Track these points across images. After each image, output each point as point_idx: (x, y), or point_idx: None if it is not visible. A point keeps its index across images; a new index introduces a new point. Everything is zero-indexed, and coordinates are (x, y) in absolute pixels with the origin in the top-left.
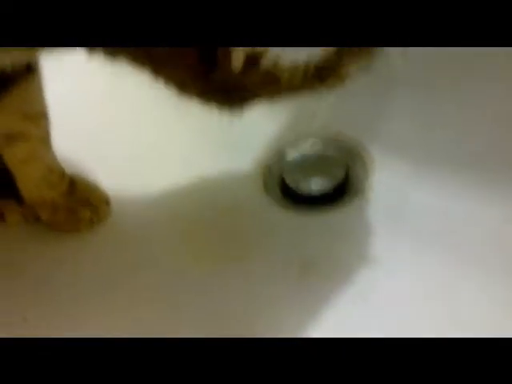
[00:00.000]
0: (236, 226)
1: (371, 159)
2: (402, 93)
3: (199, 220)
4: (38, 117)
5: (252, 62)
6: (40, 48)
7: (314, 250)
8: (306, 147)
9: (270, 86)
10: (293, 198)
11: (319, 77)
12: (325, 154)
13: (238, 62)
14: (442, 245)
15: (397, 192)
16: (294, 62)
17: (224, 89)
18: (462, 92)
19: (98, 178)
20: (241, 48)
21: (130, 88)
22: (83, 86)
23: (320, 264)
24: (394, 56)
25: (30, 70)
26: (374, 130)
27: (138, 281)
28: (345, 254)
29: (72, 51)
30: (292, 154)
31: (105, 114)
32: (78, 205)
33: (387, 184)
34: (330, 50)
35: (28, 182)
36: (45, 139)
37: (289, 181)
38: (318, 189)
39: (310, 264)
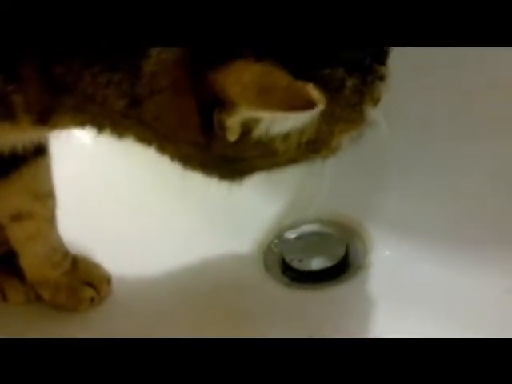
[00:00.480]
0: (237, 303)
1: (370, 237)
2: (398, 168)
3: (201, 298)
4: (45, 197)
5: (245, 132)
6: (52, 129)
7: (314, 325)
8: (305, 227)
9: (267, 158)
10: (293, 275)
11: (313, 149)
12: (324, 233)
13: (233, 134)
14: (441, 319)
15: (396, 268)
16: (286, 133)
17: (224, 161)
18: (461, 167)
19: (100, 258)
20: (235, 117)
21: (132, 170)
22: (88, 168)
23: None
24: (383, 128)
25: (40, 152)
26: (372, 208)
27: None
28: (345, 328)
29: (79, 132)
30: (292, 234)
31: (108, 195)
32: (80, 284)
33: (386, 260)
34: (322, 122)
35: (32, 260)
36: (50, 219)
37: (289, 259)
38: (318, 267)
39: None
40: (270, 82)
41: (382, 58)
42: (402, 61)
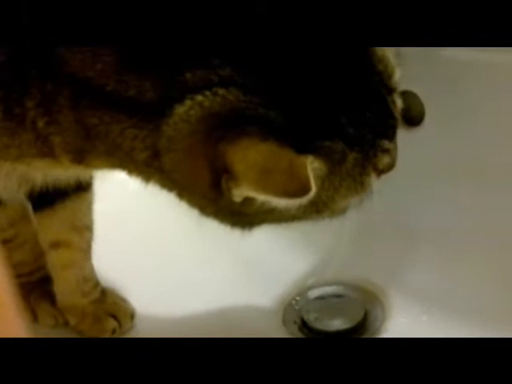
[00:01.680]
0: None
1: (389, 304)
2: (426, 239)
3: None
4: (84, 229)
5: (249, 197)
6: (89, 168)
7: None
8: (328, 288)
9: (271, 214)
10: (309, 333)
11: (315, 210)
12: (345, 296)
13: (238, 198)
14: None
15: (410, 336)
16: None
17: (232, 213)
18: (488, 242)
19: (127, 293)
20: (237, 188)
21: (169, 213)
22: (126, 207)
23: None
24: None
25: (84, 187)
26: (395, 276)
27: None
28: None
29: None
30: (314, 293)
31: (142, 235)
32: (105, 314)
33: (402, 329)
34: (322, 188)
35: (64, 286)
36: (86, 250)
37: (307, 317)
38: (335, 328)
39: None
40: (272, 163)
41: (386, 133)
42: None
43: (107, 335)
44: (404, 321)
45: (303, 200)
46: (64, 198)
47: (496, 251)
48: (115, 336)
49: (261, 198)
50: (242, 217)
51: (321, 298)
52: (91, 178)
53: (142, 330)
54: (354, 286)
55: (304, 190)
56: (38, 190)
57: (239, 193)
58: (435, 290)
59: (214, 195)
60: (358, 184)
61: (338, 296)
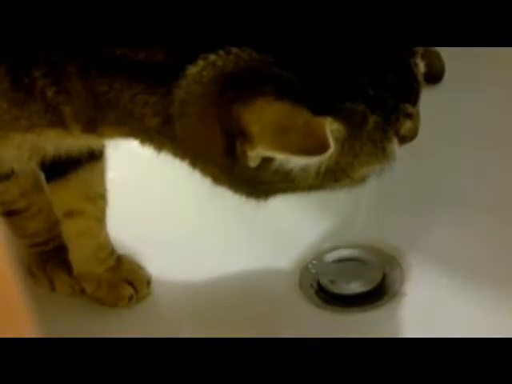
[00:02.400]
0: (267, 317)
1: (408, 266)
2: (446, 201)
3: (233, 308)
4: (97, 198)
5: (265, 160)
6: (101, 137)
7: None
8: (345, 251)
9: (286, 183)
10: (325, 297)
11: (333, 178)
12: (362, 259)
13: (253, 162)
14: None
15: (430, 300)
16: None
17: (247, 181)
18: (501, 204)
19: (143, 260)
20: (255, 152)
21: (186, 179)
22: (141, 174)
23: None
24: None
25: (96, 156)
26: (414, 238)
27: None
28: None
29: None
30: (330, 257)
31: (159, 201)
32: (121, 282)
33: (422, 291)
34: (341, 154)
35: (79, 255)
36: (100, 218)
37: (324, 281)
38: (351, 291)
39: None
40: (288, 122)
41: (409, 97)
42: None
43: (124, 302)
44: (423, 283)
45: (322, 159)
46: (76, 167)
47: None
48: (132, 302)
49: (278, 157)
50: (257, 185)
51: (338, 261)
52: (103, 146)
53: (158, 296)
54: (371, 248)
55: (322, 147)
56: (50, 160)
57: (255, 155)
58: (453, 252)
59: (228, 162)
60: (379, 150)
61: (355, 259)
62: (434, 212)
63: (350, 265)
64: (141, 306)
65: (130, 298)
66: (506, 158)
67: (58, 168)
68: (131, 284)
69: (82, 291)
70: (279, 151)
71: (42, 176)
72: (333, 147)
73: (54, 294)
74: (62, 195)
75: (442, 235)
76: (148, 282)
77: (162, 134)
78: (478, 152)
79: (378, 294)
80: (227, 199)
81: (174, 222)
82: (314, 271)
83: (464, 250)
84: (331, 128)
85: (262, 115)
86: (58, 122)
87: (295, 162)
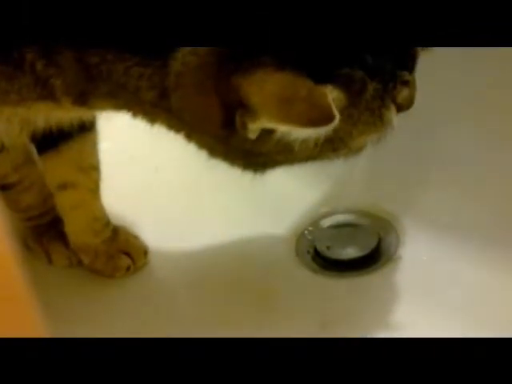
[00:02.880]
0: (264, 283)
1: (403, 230)
2: (438, 165)
3: (231, 276)
4: (90, 169)
5: (267, 131)
6: (91, 110)
7: (336, 311)
8: (340, 217)
9: (285, 155)
10: (322, 262)
11: (331, 148)
12: (358, 224)
13: (253, 134)
14: (467, 317)
15: (426, 263)
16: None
17: (244, 154)
18: (503, 168)
19: (139, 230)
20: (256, 123)
21: (177, 147)
22: (133, 143)
23: (340, 325)
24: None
25: (88, 128)
26: (408, 202)
27: (167, 330)
28: (365, 316)
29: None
30: (326, 222)
31: (151, 171)
32: (118, 252)
33: (417, 255)
34: (340, 123)
35: (75, 226)
36: (94, 190)
37: (320, 247)
38: (348, 256)
39: (330, 324)
40: (291, 92)
41: (406, 64)
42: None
43: (121, 273)
44: (418, 246)
45: (328, 129)
46: (68, 139)
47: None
48: (130, 273)
49: (282, 129)
50: (255, 157)
51: (333, 226)
52: (94, 117)
53: (155, 266)
54: (366, 213)
55: (328, 117)
56: (41, 133)
57: (256, 127)
58: (448, 214)
59: (225, 134)
60: (377, 119)
61: (351, 224)
62: (427, 175)
63: (346, 230)
64: (139, 276)
65: (128, 269)
66: (504, 120)
67: (50, 140)
68: (128, 254)
69: (80, 263)
70: (284, 123)
71: (34, 149)
72: (338, 118)
73: (50, 267)
74: (55, 167)
75: (436, 198)
76: (145, 252)
77: (158, 107)
78: (473, 114)
79: (374, 258)
80: (221, 168)
81: (168, 192)
82: (310, 237)
83: (459, 212)
84: (332, 96)
85: (264, 87)
86: (48, 95)
87: (299, 133)
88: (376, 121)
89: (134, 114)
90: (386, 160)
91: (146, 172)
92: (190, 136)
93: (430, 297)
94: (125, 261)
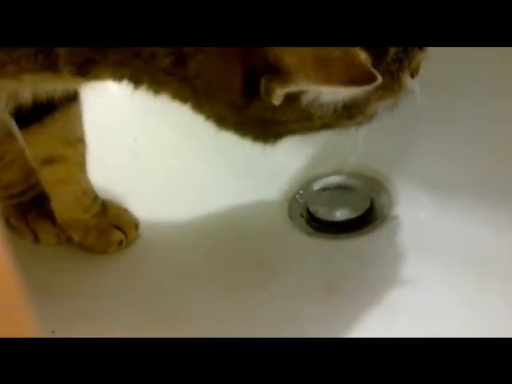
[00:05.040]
0: (260, 250)
1: (395, 190)
2: (424, 126)
3: (225, 244)
4: (76, 142)
5: (292, 97)
6: (89, 81)
7: (338, 273)
8: (331, 179)
9: (303, 122)
10: (317, 225)
11: (348, 115)
12: (349, 186)
13: (278, 100)
14: (464, 271)
15: (420, 221)
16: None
17: (258, 123)
18: (489, 122)
19: (127, 203)
20: (288, 88)
21: (160, 117)
22: (117, 116)
23: (345, 286)
24: (418, 93)
25: (72, 99)
26: (399, 162)
27: (163, 302)
28: (369, 277)
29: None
30: (317, 185)
31: (136, 143)
32: (109, 227)
33: (411, 214)
34: (359, 89)
35: (62, 202)
36: (80, 163)
37: (313, 209)
38: (343, 218)
39: (335, 286)
40: (325, 53)
41: None
42: None
43: (114, 248)
44: (413, 205)
45: (369, 88)
46: (52, 111)
47: (503, 135)
48: (122, 247)
49: (320, 90)
50: (271, 127)
51: (325, 189)
52: (79, 88)
53: (147, 239)
54: (357, 174)
55: (370, 78)
56: (24, 107)
57: (284, 92)
58: (442, 173)
59: (244, 103)
60: (395, 82)
61: (342, 186)
62: (417, 133)
63: (337, 192)
64: (130, 251)
65: (120, 243)
66: (502, 73)
67: (32, 114)
68: (120, 228)
69: (68, 240)
70: (324, 84)
71: (14, 124)
72: (380, 78)
73: (35, 246)
74: (39, 141)
75: (428, 156)
76: (136, 225)
77: (171, 75)
78: (469, 69)
79: (369, 218)
80: (207, 138)
81: (151, 162)
82: (301, 201)
83: (453, 169)
84: (361, 57)
85: (297, 49)
86: (49, 65)
87: (337, 95)
88: (395, 85)
89: (138, 85)
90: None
91: (124, 143)
92: (199, 106)
93: (431, 254)
94: (117, 235)
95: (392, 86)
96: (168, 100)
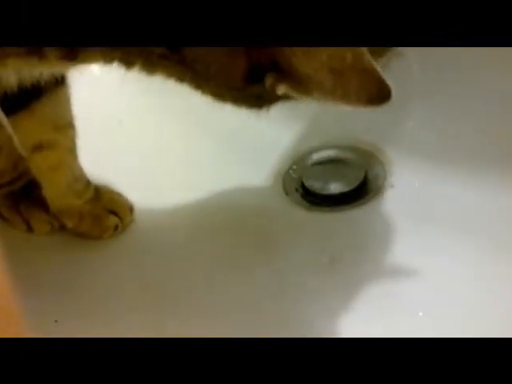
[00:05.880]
0: (260, 228)
1: (388, 161)
2: (414, 94)
3: (222, 224)
4: (66, 127)
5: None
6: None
7: (340, 245)
8: (322, 153)
9: (302, 97)
10: (313, 199)
11: None
12: (342, 159)
13: (283, 92)
14: (463, 234)
15: (415, 190)
16: None
17: (258, 98)
18: (474, 89)
19: (118, 188)
20: (297, 92)
21: (151, 100)
22: (103, 99)
23: (348, 258)
24: (409, 58)
25: (60, 82)
26: (390, 133)
27: (162, 284)
28: (371, 247)
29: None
30: (310, 160)
31: (123, 127)
32: (104, 212)
33: (405, 183)
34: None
35: (55, 189)
36: (71, 148)
37: (308, 184)
38: (338, 190)
39: (338, 258)
40: (340, 62)
41: None
42: None
43: (109, 233)
44: (408, 175)
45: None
46: (39, 96)
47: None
48: (118, 232)
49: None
50: (268, 101)
51: (317, 163)
52: (67, 70)
53: (141, 223)
54: (349, 147)
55: (386, 93)
56: (10, 93)
57: (298, 92)
58: (433, 142)
59: (243, 85)
60: None
61: (335, 159)
62: (408, 106)
63: (330, 166)
64: (125, 235)
65: (115, 228)
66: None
67: (19, 100)
68: (114, 213)
69: (62, 227)
70: (342, 102)
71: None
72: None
73: (29, 236)
74: (29, 128)
75: (420, 127)
76: (130, 208)
77: (166, 58)
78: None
79: (365, 190)
80: (188, 117)
81: (138, 145)
82: (295, 176)
83: (445, 138)
84: None
85: (313, 57)
86: (35, 49)
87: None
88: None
89: (129, 67)
90: None
91: (108, 127)
92: (197, 86)
93: (429, 221)
94: (112, 220)
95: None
96: (153, 80)
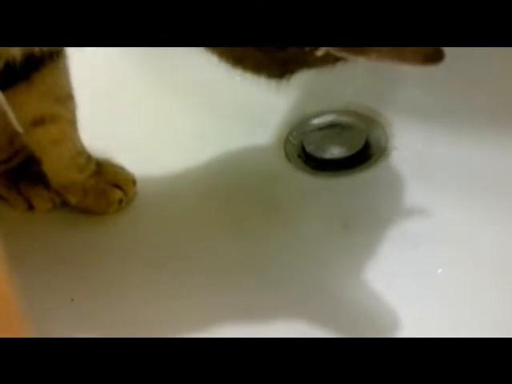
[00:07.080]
0: (264, 194)
1: (389, 124)
2: None
3: (225, 193)
4: (67, 99)
5: None
6: None
7: (351, 208)
8: (322, 118)
9: (323, 61)
10: (315, 164)
11: None
12: (342, 123)
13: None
14: (470, 190)
15: (418, 152)
16: None
17: (283, 63)
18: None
19: (118, 160)
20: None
21: (149, 71)
22: (100, 72)
23: (361, 221)
24: None
25: (58, 53)
26: (389, 96)
27: (172, 258)
28: (381, 209)
29: None
30: (311, 125)
31: (124, 98)
32: (108, 186)
33: (407, 145)
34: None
35: (57, 164)
36: (72, 121)
37: (309, 149)
38: (341, 155)
39: (350, 222)
40: None
41: None
42: None
43: (115, 207)
44: (410, 137)
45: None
46: (39, 67)
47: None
48: (122, 206)
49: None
50: (293, 66)
51: (317, 129)
52: None
53: (144, 195)
54: (348, 112)
55: (440, 52)
56: (7, 65)
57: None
58: (433, 104)
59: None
60: None
61: (335, 124)
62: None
63: (330, 131)
64: (129, 209)
65: (120, 202)
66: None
67: (18, 73)
68: (118, 187)
69: (64, 203)
70: (398, 62)
71: None
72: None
73: (32, 215)
74: (28, 101)
75: (419, 89)
76: (133, 181)
77: None
78: None
79: (368, 154)
80: (183, 86)
81: (143, 117)
82: (296, 142)
83: (445, 99)
84: None
85: None
86: None
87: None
88: None
89: None
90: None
91: (96, 98)
92: (215, 49)
93: (435, 180)
94: (117, 193)
95: None
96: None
